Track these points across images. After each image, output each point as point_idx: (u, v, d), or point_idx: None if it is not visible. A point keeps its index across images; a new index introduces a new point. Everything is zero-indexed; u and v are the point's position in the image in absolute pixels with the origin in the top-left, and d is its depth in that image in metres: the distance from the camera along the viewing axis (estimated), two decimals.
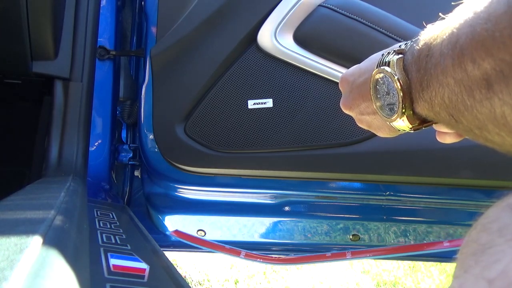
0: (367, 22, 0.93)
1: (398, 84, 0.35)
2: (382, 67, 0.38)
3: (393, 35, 0.92)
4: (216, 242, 1.11)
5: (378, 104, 0.40)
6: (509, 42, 0.22)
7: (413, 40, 0.35)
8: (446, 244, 0.89)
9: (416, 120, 0.36)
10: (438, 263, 2.35)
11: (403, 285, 2.42)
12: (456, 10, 0.28)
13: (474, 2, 0.26)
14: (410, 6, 0.98)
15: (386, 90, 0.38)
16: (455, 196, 1.11)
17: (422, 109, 0.34)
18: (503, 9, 0.22)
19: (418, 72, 0.32)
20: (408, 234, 1.17)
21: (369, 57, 0.46)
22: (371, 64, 0.43)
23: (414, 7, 0.98)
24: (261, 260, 1.06)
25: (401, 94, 0.35)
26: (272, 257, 1.11)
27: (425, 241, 1.18)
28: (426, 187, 1.07)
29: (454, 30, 0.27)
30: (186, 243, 1.12)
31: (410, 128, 0.37)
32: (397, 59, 0.35)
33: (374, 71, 0.39)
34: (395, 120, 0.37)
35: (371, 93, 0.41)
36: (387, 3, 0.96)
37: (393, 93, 0.36)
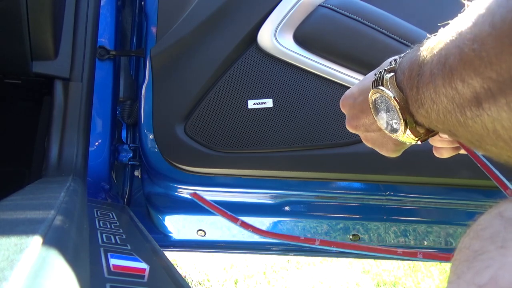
0: (367, 22, 0.93)
1: (395, 101, 0.36)
2: (377, 87, 0.38)
3: (393, 35, 0.92)
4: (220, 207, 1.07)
5: (381, 122, 0.41)
6: (495, 61, 0.23)
7: (401, 56, 0.37)
8: (399, 251, 0.90)
9: (420, 132, 0.37)
10: (438, 263, 2.35)
11: (403, 285, 2.42)
12: (442, 31, 0.30)
13: (459, 24, 0.27)
14: (410, 6, 0.98)
15: (385, 108, 0.39)
16: (455, 196, 1.11)
17: (422, 120, 0.35)
18: (488, 31, 0.24)
19: (411, 90, 0.34)
20: (408, 234, 1.17)
21: (362, 79, 0.47)
22: (367, 82, 0.44)
23: (414, 7, 0.98)
24: (251, 230, 1.04)
25: (400, 110, 0.35)
26: (258, 228, 1.08)
27: (425, 241, 1.18)
28: (426, 187, 1.07)
29: (442, 51, 0.28)
30: (186, 241, 1.11)
31: (417, 140, 0.38)
32: (389, 78, 0.36)
33: (370, 92, 0.40)
34: (400, 135, 0.38)
35: (372, 112, 0.42)
36: (387, 3, 0.96)
37: (393, 111, 0.37)
